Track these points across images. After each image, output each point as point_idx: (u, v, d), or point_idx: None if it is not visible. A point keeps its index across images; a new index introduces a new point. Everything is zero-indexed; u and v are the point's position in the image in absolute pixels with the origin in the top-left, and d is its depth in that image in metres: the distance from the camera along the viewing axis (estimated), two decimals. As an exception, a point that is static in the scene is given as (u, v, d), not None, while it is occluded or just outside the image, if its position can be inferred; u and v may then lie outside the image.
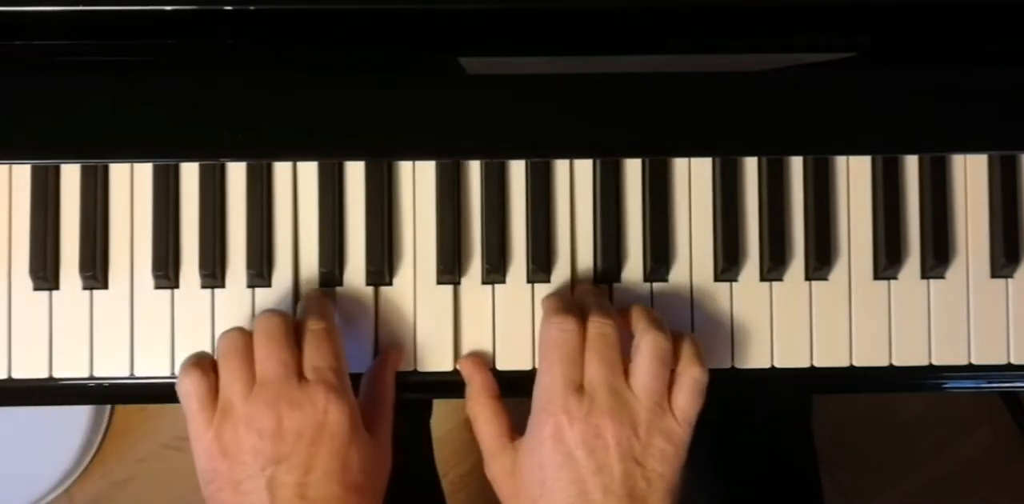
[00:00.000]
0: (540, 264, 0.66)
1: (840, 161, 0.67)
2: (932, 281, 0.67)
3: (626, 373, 0.59)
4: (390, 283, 0.66)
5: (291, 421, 0.57)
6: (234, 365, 0.58)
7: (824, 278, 0.67)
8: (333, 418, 0.57)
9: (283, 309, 0.63)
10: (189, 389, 0.58)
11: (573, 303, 0.63)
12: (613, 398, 0.57)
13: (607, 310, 0.61)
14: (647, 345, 0.59)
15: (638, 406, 0.58)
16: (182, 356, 0.65)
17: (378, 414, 0.63)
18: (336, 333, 0.61)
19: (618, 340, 0.59)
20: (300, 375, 0.58)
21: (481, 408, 0.63)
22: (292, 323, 0.60)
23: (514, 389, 0.65)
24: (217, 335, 0.65)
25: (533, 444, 0.59)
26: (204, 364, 0.59)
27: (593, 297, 0.63)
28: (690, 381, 0.59)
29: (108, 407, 1.39)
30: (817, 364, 0.67)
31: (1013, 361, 0.67)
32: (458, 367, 0.66)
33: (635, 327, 0.61)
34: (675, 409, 0.58)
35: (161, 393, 0.66)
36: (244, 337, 0.59)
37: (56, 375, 0.65)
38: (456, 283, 0.66)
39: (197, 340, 0.65)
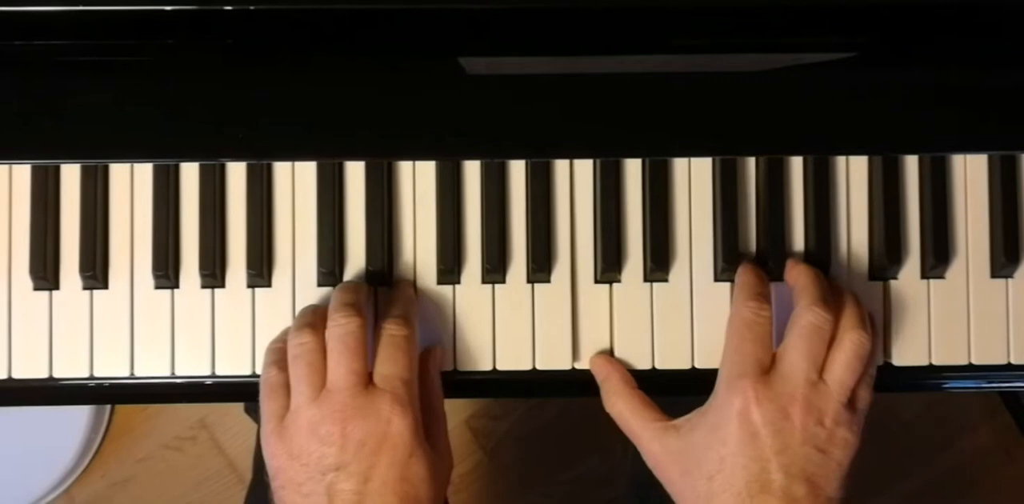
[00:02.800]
0: (540, 264, 0.66)
1: (840, 161, 0.67)
2: (932, 281, 0.67)
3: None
4: (390, 283, 0.66)
5: (354, 429, 0.57)
6: (303, 371, 0.60)
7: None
8: (396, 429, 0.58)
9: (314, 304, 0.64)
10: (263, 388, 0.61)
11: (766, 289, 0.63)
12: (805, 387, 0.59)
13: (825, 301, 0.61)
14: (852, 343, 0.60)
15: (828, 399, 0.59)
16: (182, 356, 0.65)
17: (432, 419, 0.63)
18: (415, 341, 0.62)
19: (828, 336, 0.60)
20: (369, 381, 0.59)
21: (626, 400, 0.63)
22: (367, 328, 0.61)
23: (514, 390, 0.65)
24: (217, 335, 0.65)
25: (716, 420, 0.59)
26: (281, 363, 0.61)
27: (812, 282, 0.62)
28: (868, 377, 0.61)
29: (108, 407, 1.39)
30: (817, 364, 0.66)
31: (1013, 361, 0.67)
32: (589, 367, 0.66)
33: (841, 322, 0.61)
34: (858, 400, 0.60)
35: (161, 393, 0.66)
36: (315, 341, 0.60)
37: (56, 375, 0.65)
38: (456, 283, 0.66)
39: (197, 340, 0.65)
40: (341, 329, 0.59)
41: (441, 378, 0.65)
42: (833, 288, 0.64)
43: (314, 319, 0.62)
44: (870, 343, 0.60)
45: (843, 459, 0.59)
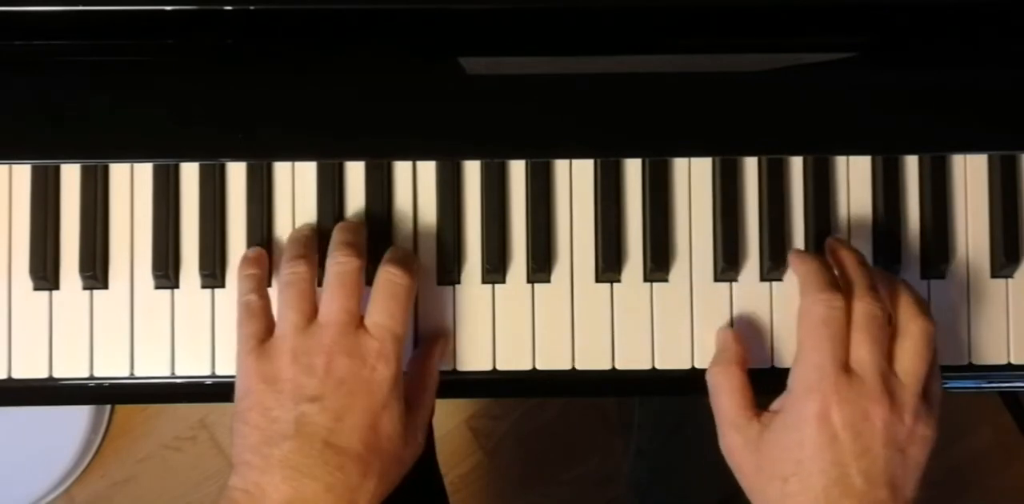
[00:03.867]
0: (540, 264, 0.66)
1: (840, 161, 0.67)
2: (932, 281, 0.67)
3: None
4: (390, 283, 0.66)
5: (339, 367, 0.58)
6: (294, 298, 0.60)
7: (824, 278, 0.67)
8: (378, 378, 0.58)
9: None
10: (241, 312, 0.61)
11: (835, 277, 0.61)
12: (882, 382, 0.57)
13: (875, 289, 0.60)
14: (919, 330, 0.59)
15: (904, 391, 0.58)
16: (182, 356, 0.65)
17: (419, 399, 0.63)
18: (412, 295, 0.62)
19: (887, 322, 0.59)
20: (360, 323, 0.59)
21: (728, 376, 0.62)
22: (364, 267, 0.61)
23: (514, 390, 0.64)
24: (217, 335, 0.65)
25: (793, 421, 0.58)
26: (260, 290, 0.62)
27: (860, 269, 0.61)
28: (936, 367, 0.60)
29: (108, 407, 1.39)
30: (817, 364, 0.66)
31: (1013, 361, 0.67)
32: (717, 334, 0.65)
33: (902, 310, 0.60)
34: (931, 392, 0.59)
35: (161, 393, 0.66)
36: (308, 271, 0.61)
37: (56, 375, 0.65)
38: (456, 283, 0.66)
39: (197, 340, 0.65)
40: (341, 267, 0.60)
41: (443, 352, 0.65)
42: (883, 277, 0.63)
43: (307, 252, 0.62)
44: (935, 330, 0.59)
45: (921, 458, 0.58)
